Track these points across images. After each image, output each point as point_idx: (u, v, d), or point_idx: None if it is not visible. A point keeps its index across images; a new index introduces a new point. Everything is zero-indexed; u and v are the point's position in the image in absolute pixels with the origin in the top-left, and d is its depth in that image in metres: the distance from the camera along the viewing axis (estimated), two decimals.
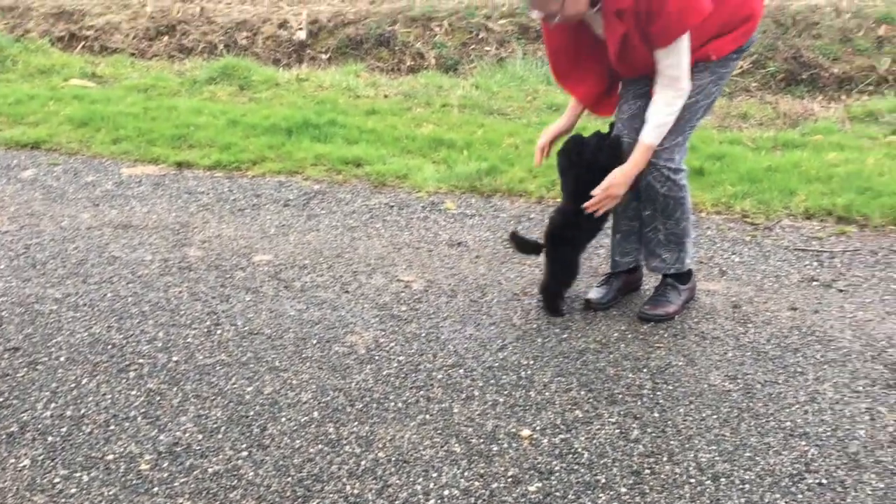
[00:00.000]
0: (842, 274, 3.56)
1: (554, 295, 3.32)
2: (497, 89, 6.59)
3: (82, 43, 8.70)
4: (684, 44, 2.84)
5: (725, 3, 2.89)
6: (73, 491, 2.32)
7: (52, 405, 2.72)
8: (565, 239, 3.28)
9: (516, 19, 7.82)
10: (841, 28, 6.81)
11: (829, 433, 2.56)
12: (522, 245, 3.42)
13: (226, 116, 5.89)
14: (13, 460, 2.44)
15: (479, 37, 7.93)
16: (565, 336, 3.16)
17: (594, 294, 3.39)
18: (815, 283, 3.50)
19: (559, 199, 4.50)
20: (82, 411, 2.69)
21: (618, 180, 3.04)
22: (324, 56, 8.30)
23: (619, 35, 2.85)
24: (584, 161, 3.16)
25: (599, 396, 2.78)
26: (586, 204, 3.10)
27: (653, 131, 2.98)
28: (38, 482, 2.35)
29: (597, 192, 3.05)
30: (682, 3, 2.73)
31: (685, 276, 3.32)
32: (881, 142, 5.06)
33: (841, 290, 3.42)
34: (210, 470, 2.41)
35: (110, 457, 2.47)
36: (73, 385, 2.83)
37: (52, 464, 2.43)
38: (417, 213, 4.36)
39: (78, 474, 2.39)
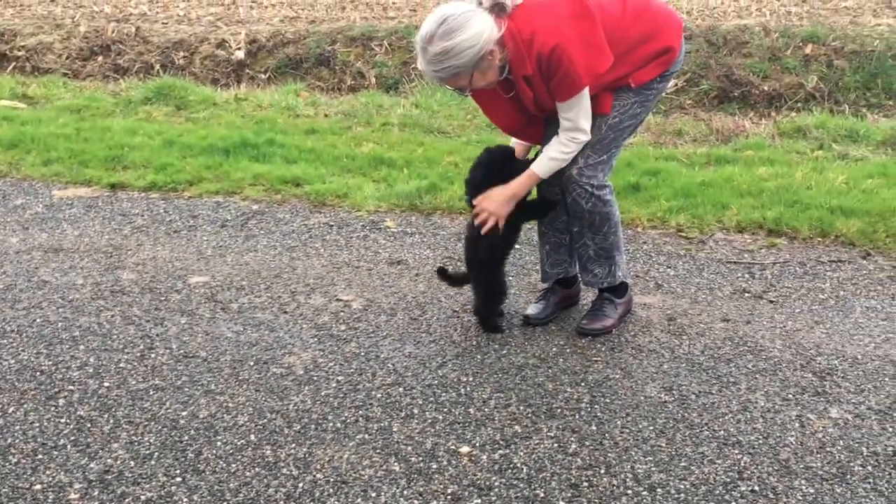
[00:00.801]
0: (772, 285, 3.65)
1: (485, 317, 3.34)
2: (437, 108, 6.62)
3: (13, 63, 8.50)
4: (582, 100, 2.96)
5: (637, 48, 2.99)
6: None
7: None
8: (481, 263, 3.29)
9: None
10: (770, 47, 7.03)
11: (760, 441, 2.61)
12: (451, 280, 3.48)
13: (161, 137, 5.81)
14: None
15: None
16: (504, 352, 3.17)
17: (532, 310, 3.41)
18: (746, 294, 3.58)
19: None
20: (9, 441, 2.60)
21: (493, 198, 3.12)
22: (263, 76, 8.25)
23: (530, 97, 2.98)
24: (480, 178, 3.19)
25: (538, 411, 2.79)
26: (477, 220, 3.17)
27: (544, 163, 3.09)
28: None
29: (481, 212, 3.14)
30: (578, 64, 2.85)
31: (621, 290, 3.37)
32: (809, 156, 5.22)
33: (771, 301, 3.51)
34: (143, 497, 2.35)
35: (38, 486, 2.39)
36: None
37: None
38: (357, 231, 4.35)
39: None
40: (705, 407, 2.80)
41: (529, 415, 2.77)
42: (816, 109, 6.33)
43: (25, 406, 2.79)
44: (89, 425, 2.69)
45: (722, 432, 2.66)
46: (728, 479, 2.44)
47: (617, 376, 2.99)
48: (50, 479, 2.43)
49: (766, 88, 6.76)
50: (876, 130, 5.61)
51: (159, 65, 8.36)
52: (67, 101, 6.85)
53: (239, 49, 8.35)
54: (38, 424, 2.68)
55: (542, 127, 3.18)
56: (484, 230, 3.15)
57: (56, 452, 2.55)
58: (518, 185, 3.13)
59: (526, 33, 2.86)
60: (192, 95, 6.87)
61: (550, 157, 3.07)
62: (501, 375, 3.01)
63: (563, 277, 3.44)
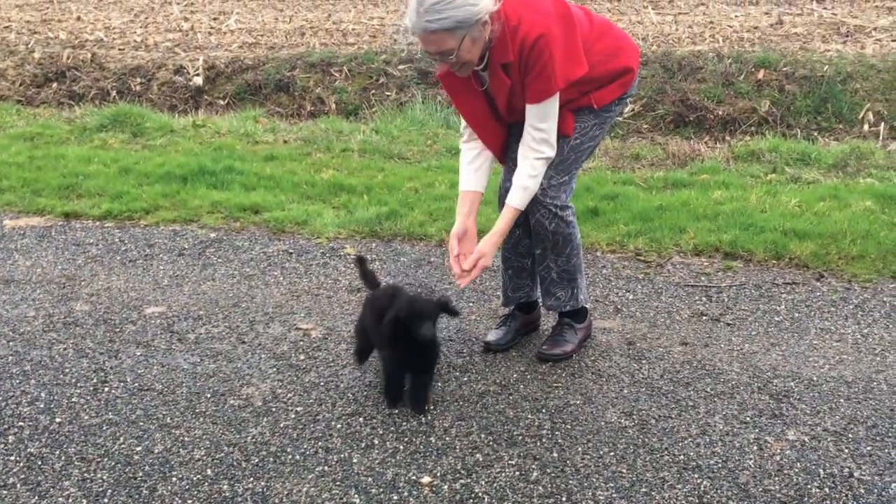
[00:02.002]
0: (729, 308, 3.69)
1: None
2: (397, 133, 6.64)
3: None
4: (553, 107, 2.97)
5: (602, 64, 3.03)
6: None
7: None
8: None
9: (416, 65, 7.93)
10: (723, 73, 7.18)
11: (720, 465, 2.63)
12: (366, 274, 3.26)
13: (117, 164, 5.73)
14: None
15: (380, 82, 7.99)
16: (465, 379, 3.16)
17: (493, 336, 3.41)
18: (704, 317, 3.62)
19: None
20: None
21: (486, 249, 3.04)
22: (221, 102, 8.21)
23: (506, 87, 2.94)
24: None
25: (499, 439, 2.78)
26: (459, 280, 3.06)
27: (518, 194, 3.04)
28: None
29: (468, 265, 3.02)
30: (557, 63, 2.86)
31: (581, 315, 3.38)
32: (762, 180, 5.32)
33: (728, 324, 3.55)
34: None
35: None
36: None
37: None
38: (317, 259, 4.32)
39: None
40: (665, 431, 2.81)
41: (490, 443, 2.76)
42: (769, 133, 6.47)
43: None
44: (40, 463, 2.61)
45: (682, 457, 2.67)
46: None
47: (577, 402, 3.00)
48: None
49: (720, 113, 6.90)
50: (827, 154, 5.74)
51: (116, 91, 8.29)
52: (21, 128, 6.74)
53: (197, 75, 8.30)
54: None
55: (505, 129, 3.17)
56: (474, 275, 3.06)
57: (5, 492, 2.47)
58: (503, 225, 3.08)
59: (513, 20, 2.85)
60: (149, 122, 6.81)
61: (523, 187, 3.03)
62: (462, 403, 3.00)
63: (524, 303, 3.45)
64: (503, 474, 2.60)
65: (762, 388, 3.05)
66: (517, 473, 2.60)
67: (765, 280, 3.93)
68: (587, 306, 3.41)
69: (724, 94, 7.02)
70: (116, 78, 8.43)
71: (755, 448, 2.71)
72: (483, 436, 2.80)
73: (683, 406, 2.95)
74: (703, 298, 3.79)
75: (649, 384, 3.10)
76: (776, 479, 2.55)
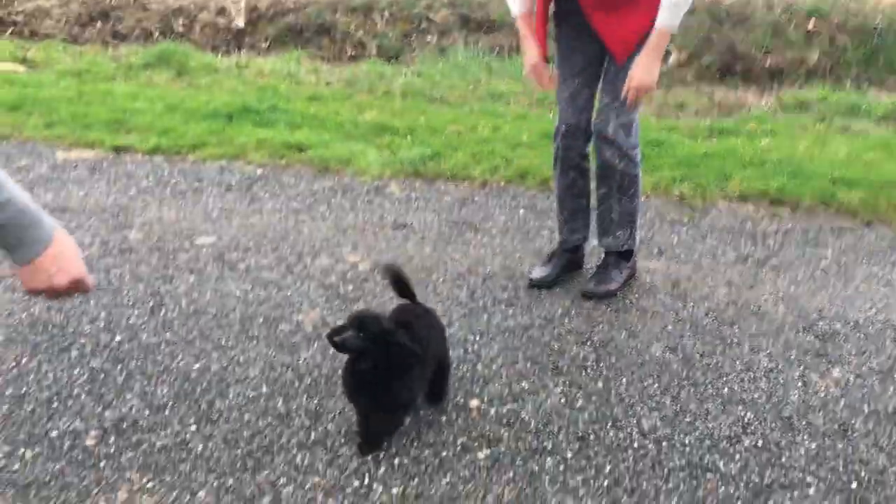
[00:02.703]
0: (775, 252, 3.69)
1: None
2: (439, 78, 6.62)
3: (10, 28, 8.43)
4: None
5: None
6: (17, 466, 2.27)
7: None
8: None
9: (458, 10, 7.86)
10: (773, 22, 7.03)
11: (764, 399, 2.66)
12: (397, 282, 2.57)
13: (164, 102, 5.79)
14: None
15: (421, 27, 7.94)
16: (510, 313, 3.21)
17: (538, 273, 3.44)
18: (749, 260, 3.62)
19: (503, 184, 4.58)
20: (24, 389, 2.62)
21: (639, 72, 2.93)
22: (263, 44, 8.21)
23: None
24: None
25: (545, 369, 2.83)
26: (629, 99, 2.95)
27: (668, 12, 2.86)
28: None
29: (630, 92, 2.98)
30: None
31: (627, 254, 3.40)
32: (811, 129, 5.26)
33: (774, 268, 3.55)
34: (158, 444, 2.39)
35: (54, 433, 2.42)
36: (12, 364, 2.77)
37: None
38: (362, 196, 4.37)
39: (21, 451, 2.34)
40: (709, 367, 2.84)
41: (536, 372, 2.81)
42: (818, 84, 6.35)
43: (39, 357, 2.81)
44: (103, 376, 2.72)
45: (726, 390, 2.70)
46: (732, 434, 2.49)
47: (622, 337, 3.04)
48: (66, 426, 2.46)
49: (768, 63, 6.78)
50: (878, 105, 5.64)
51: (159, 31, 8.32)
52: (68, 65, 6.81)
53: (239, 17, 8.31)
54: (52, 375, 2.71)
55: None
56: (634, 102, 2.99)
57: (71, 401, 2.58)
58: (655, 48, 2.92)
59: None
60: (193, 62, 6.84)
61: (673, 3, 2.85)
62: (508, 335, 3.05)
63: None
64: (549, 401, 2.65)
65: (808, 328, 3.07)
66: (563, 400, 2.65)
67: (812, 226, 3.92)
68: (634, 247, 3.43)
69: (773, 44, 6.89)
70: (159, 18, 8.46)
71: (800, 384, 2.73)
72: (528, 365, 2.85)
73: (728, 343, 2.98)
74: (748, 243, 3.79)
75: (693, 322, 3.12)
76: (820, 413, 2.58)
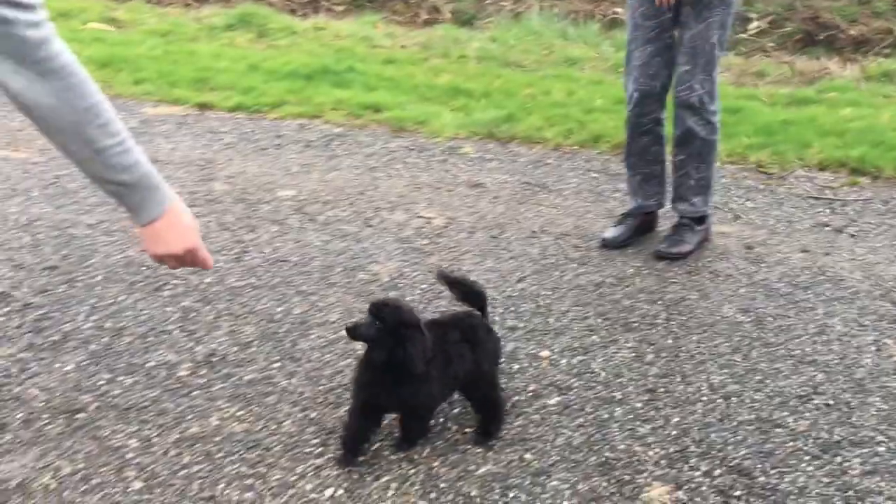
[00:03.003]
0: (853, 220, 3.65)
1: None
2: (514, 43, 6.63)
3: None
4: None
5: None
6: (118, 392, 2.44)
7: (93, 318, 2.83)
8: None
9: None
10: None
11: (836, 361, 2.67)
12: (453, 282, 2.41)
13: (245, 61, 5.96)
14: (58, 364, 2.56)
15: None
16: (582, 271, 3.26)
17: (610, 233, 3.48)
18: (826, 228, 3.59)
19: (576, 147, 4.61)
20: (121, 324, 2.80)
21: None
22: (339, 7, 8.32)
23: None
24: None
25: (615, 324, 2.89)
26: None
27: None
28: (83, 384, 2.47)
29: None
30: None
31: (701, 218, 3.41)
32: (895, 99, 5.12)
33: (852, 236, 3.52)
34: (246, 378, 2.53)
35: (151, 364, 2.58)
36: (111, 301, 2.95)
37: (95, 368, 2.55)
38: (437, 156, 4.45)
39: (121, 378, 2.51)
40: (781, 329, 2.85)
41: (607, 327, 2.87)
42: None
43: (135, 295, 2.99)
44: (194, 314, 2.88)
45: (798, 351, 2.72)
46: (803, 393, 2.51)
47: (693, 297, 3.06)
48: (161, 357, 2.62)
49: (853, 33, 6.59)
50: None
51: None
52: (153, 25, 7.04)
53: None
54: (147, 312, 2.88)
55: None
56: None
57: (165, 336, 2.74)
58: None
59: None
60: (273, 23, 7.00)
61: None
62: (579, 291, 3.11)
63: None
64: (619, 355, 2.71)
65: (884, 295, 3.04)
66: (632, 355, 2.71)
67: (893, 196, 3.85)
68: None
69: (859, 13, 6.69)
70: None
71: (873, 349, 2.73)
72: (599, 321, 2.91)
73: (801, 307, 2.98)
74: (826, 210, 3.75)
75: (767, 285, 3.13)
76: (894, 377, 2.58)
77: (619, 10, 7.09)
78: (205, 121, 4.93)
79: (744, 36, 6.53)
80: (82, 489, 2.09)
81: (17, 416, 2.34)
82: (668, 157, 3.44)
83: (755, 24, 6.70)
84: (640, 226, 3.52)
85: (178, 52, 6.18)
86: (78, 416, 2.35)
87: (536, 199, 3.90)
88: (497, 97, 5.28)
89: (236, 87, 5.42)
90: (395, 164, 4.33)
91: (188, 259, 1.58)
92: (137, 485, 2.10)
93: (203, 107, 5.15)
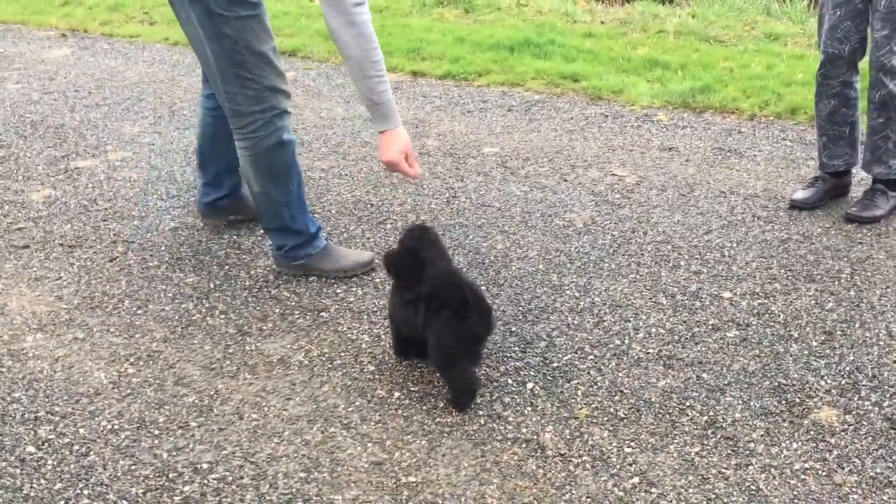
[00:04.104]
0: None
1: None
2: (714, 18, 6.67)
3: None
4: None
5: None
6: (352, 299, 2.93)
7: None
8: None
9: None
10: None
11: None
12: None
13: (453, 34, 6.42)
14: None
15: None
16: (769, 228, 3.42)
17: (800, 195, 3.60)
18: None
19: (772, 118, 4.69)
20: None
21: None
22: None
23: None
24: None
25: (798, 275, 3.05)
26: None
27: None
28: (323, 291, 2.98)
29: None
30: None
31: (894, 184, 3.45)
32: None
33: None
34: None
35: (377, 279, 3.06)
36: (343, 230, 3.47)
37: (332, 280, 3.06)
38: (631, 122, 4.69)
39: (354, 289, 3.00)
40: None
41: (789, 277, 3.04)
42: None
43: (362, 227, 3.50)
44: None
45: None
46: None
47: (881, 257, 3.15)
48: (382, 276, 3.09)
49: None
50: None
51: None
52: (371, 2, 7.66)
53: None
54: (372, 240, 3.37)
55: None
56: None
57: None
58: None
59: None
60: (478, 0, 7.43)
61: None
62: (764, 246, 3.28)
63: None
64: (799, 301, 2.88)
65: None
66: (813, 302, 2.87)
67: None
68: None
69: None
70: None
71: None
72: (782, 271, 3.08)
73: None
74: None
75: None
76: None
77: None
78: (417, 87, 5.43)
79: None
80: (328, 367, 2.58)
81: (276, 310, 2.88)
82: (861, 120, 3.50)
83: None
84: (830, 189, 3.61)
85: (393, 25, 6.75)
86: (322, 314, 2.86)
87: (727, 164, 4.06)
88: (694, 69, 5.42)
89: (445, 57, 5.89)
90: (590, 129, 4.61)
91: (395, 167, 2.64)
92: (371, 367, 2.57)
93: (416, 74, 5.66)
